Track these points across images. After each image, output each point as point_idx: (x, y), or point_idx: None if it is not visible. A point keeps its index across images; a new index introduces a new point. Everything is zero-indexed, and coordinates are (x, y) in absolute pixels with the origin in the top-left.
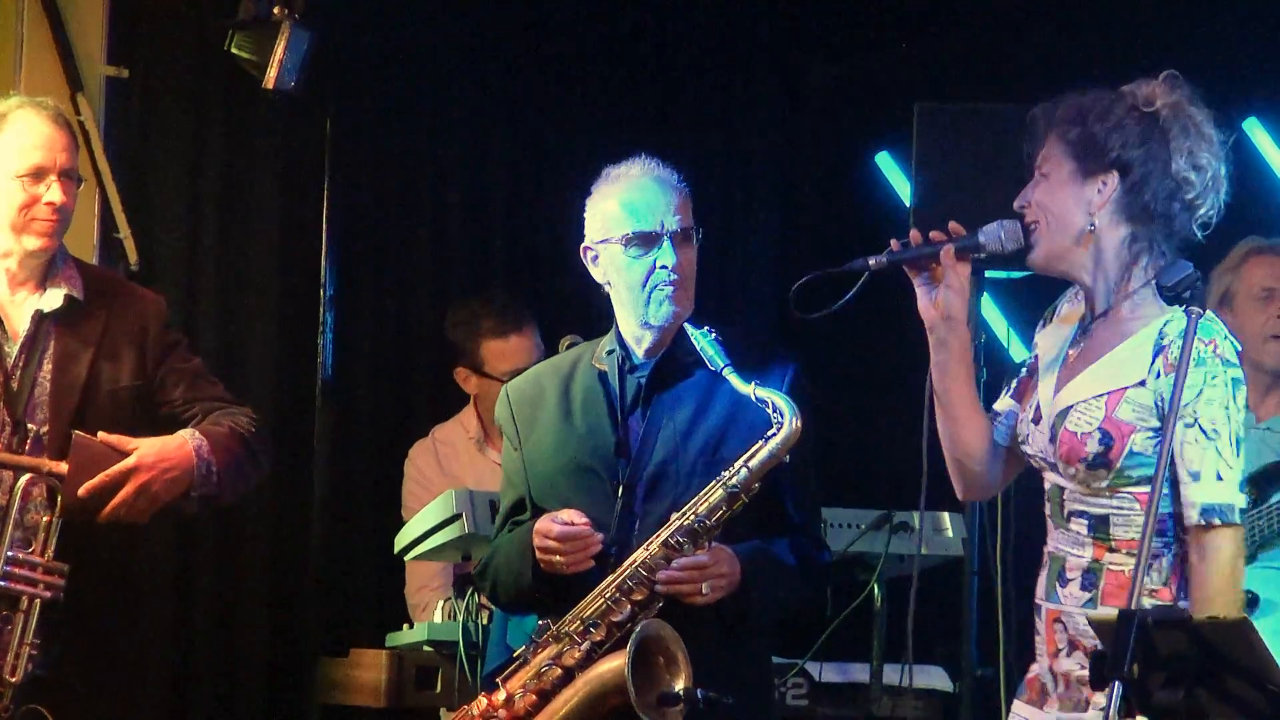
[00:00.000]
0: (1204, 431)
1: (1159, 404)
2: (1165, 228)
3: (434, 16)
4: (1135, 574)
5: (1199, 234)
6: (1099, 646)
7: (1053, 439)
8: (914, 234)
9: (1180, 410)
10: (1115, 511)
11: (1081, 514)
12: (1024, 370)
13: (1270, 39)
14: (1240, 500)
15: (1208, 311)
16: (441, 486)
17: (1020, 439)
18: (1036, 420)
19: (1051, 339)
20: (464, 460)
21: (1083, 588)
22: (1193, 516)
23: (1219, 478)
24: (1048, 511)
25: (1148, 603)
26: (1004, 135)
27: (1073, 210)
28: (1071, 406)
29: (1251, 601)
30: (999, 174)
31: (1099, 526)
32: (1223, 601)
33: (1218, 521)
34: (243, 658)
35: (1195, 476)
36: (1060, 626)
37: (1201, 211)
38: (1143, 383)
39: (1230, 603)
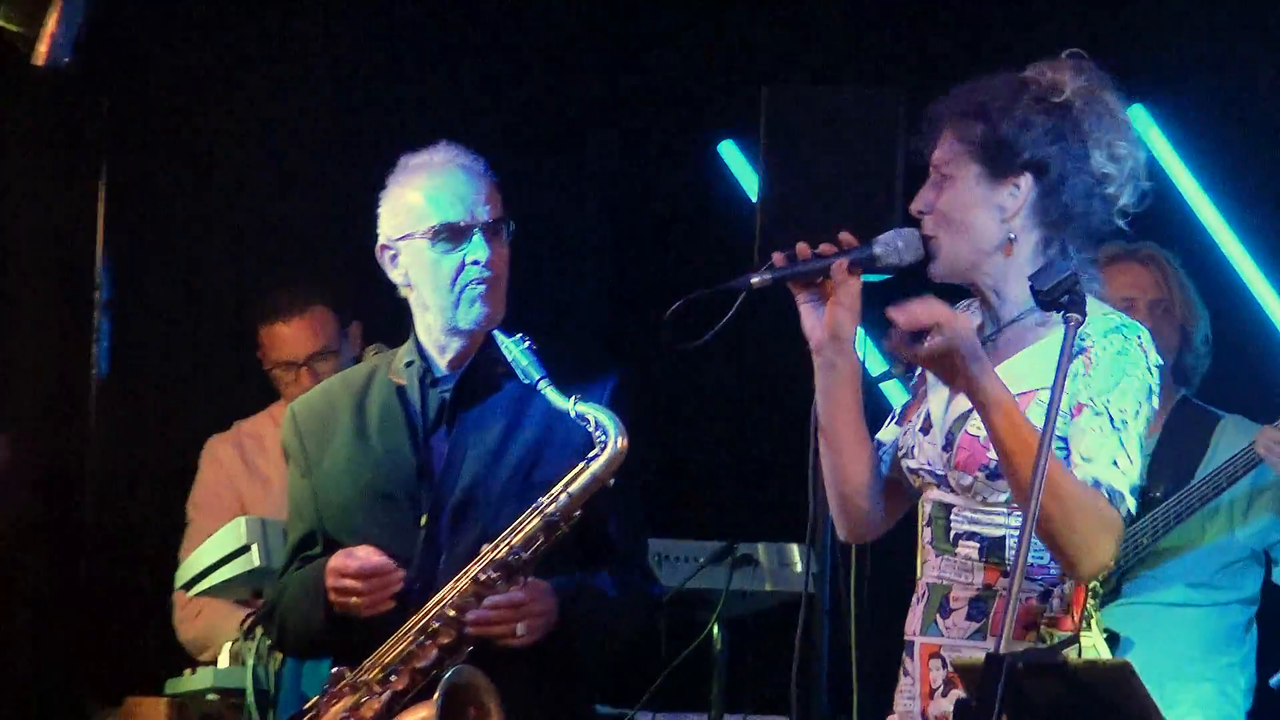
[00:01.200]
0: (1111, 420)
1: (1070, 409)
2: (1083, 226)
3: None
4: (1009, 599)
5: (1120, 222)
6: None
7: (948, 446)
8: (802, 247)
9: (1095, 398)
10: (1012, 533)
11: (972, 535)
12: (911, 394)
13: (1155, 24)
14: (1132, 502)
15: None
16: (245, 483)
17: (902, 451)
18: (926, 429)
19: None
20: (272, 457)
21: (969, 617)
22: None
23: (1114, 464)
24: (927, 538)
25: (1046, 633)
26: (861, 120)
27: (984, 219)
28: (972, 409)
29: (1111, 640)
30: (855, 163)
31: (993, 550)
32: (1069, 510)
33: (1104, 494)
34: (5, 707)
35: (1087, 460)
36: (939, 663)
37: (1122, 202)
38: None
39: (1074, 513)
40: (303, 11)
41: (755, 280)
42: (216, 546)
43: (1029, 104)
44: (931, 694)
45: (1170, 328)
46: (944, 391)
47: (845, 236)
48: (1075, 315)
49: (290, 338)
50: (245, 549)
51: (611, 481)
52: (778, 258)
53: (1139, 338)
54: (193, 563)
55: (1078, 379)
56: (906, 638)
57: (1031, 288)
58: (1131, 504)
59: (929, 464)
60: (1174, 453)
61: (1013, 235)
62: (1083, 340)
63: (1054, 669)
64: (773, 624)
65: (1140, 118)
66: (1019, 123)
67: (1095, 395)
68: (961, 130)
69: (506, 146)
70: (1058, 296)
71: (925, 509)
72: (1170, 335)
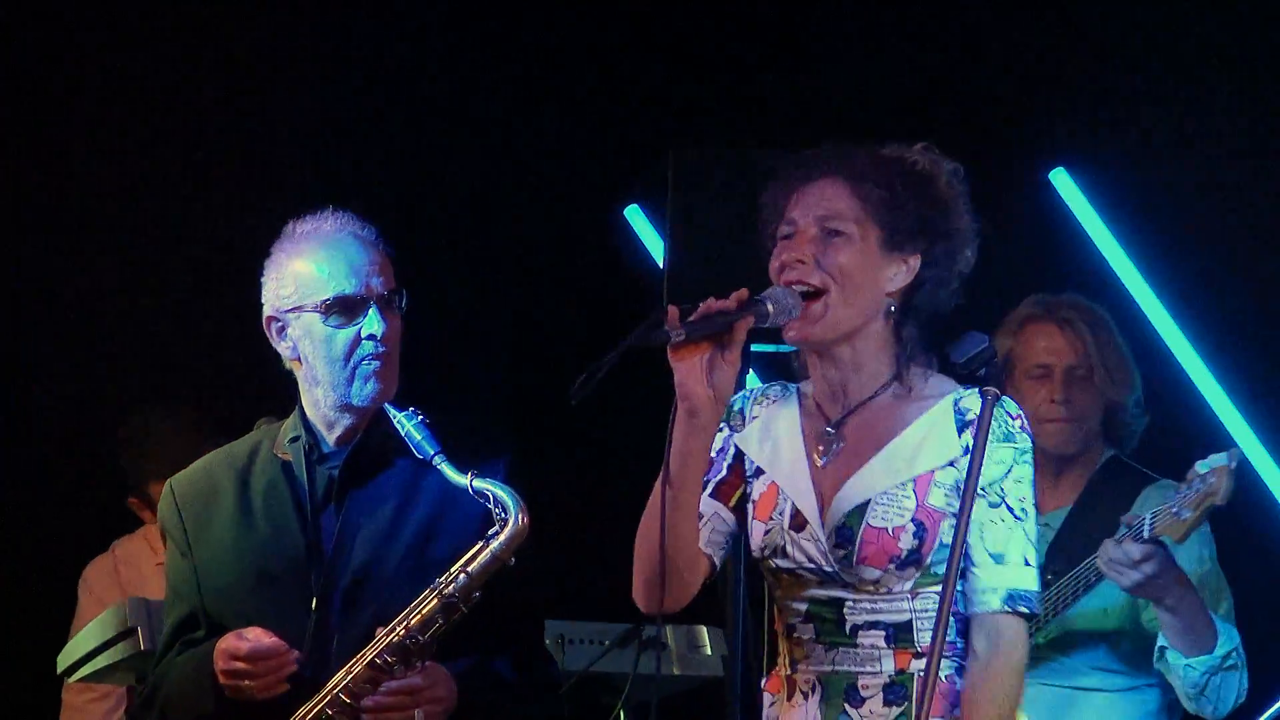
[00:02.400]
0: (1011, 511)
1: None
2: (926, 320)
3: (84, 41)
4: (926, 680)
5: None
6: None
7: (843, 541)
8: (711, 302)
9: (986, 489)
10: (919, 615)
11: (874, 625)
12: (724, 470)
13: (1075, 90)
14: (1039, 599)
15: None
16: None
17: (767, 550)
18: (797, 527)
19: (758, 441)
20: (151, 585)
21: (888, 703)
22: (993, 602)
23: (1026, 563)
24: (812, 633)
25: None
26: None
27: (875, 285)
28: (870, 500)
29: None
30: None
31: (900, 635)
32: (1013, 700)
33: (1023, 609)
34: None
35: (999, 559)
36: None
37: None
38: (953, 463)
39: (1016, 699)
40: (180, 69)
41: (674, 335)
42: (99, 630)
43: (921, 183)
44: None
45: (1088, 395)
46: (803, 483)
47: (742, 293)
48: (993, 389)
49: None
50: (130, 632)
51: (512, 561)
52: (675, 312)
53: (1020, 418)
54: (75, 647)
55: (966, 459)
56: None
57: (949, 359)
58: (1038, 601)
59: (812, 561)
60: (1093, 516)
61: (892, 308)
62: (965, 414)
63: None
64: (681, 708)
65: (1062, 181)
66: (920, 199)
67: (988, 484)
68: (863, 191)
69: (403, 211)
70: (975, 369)
71: (797, 606)
72: (1087, 402)
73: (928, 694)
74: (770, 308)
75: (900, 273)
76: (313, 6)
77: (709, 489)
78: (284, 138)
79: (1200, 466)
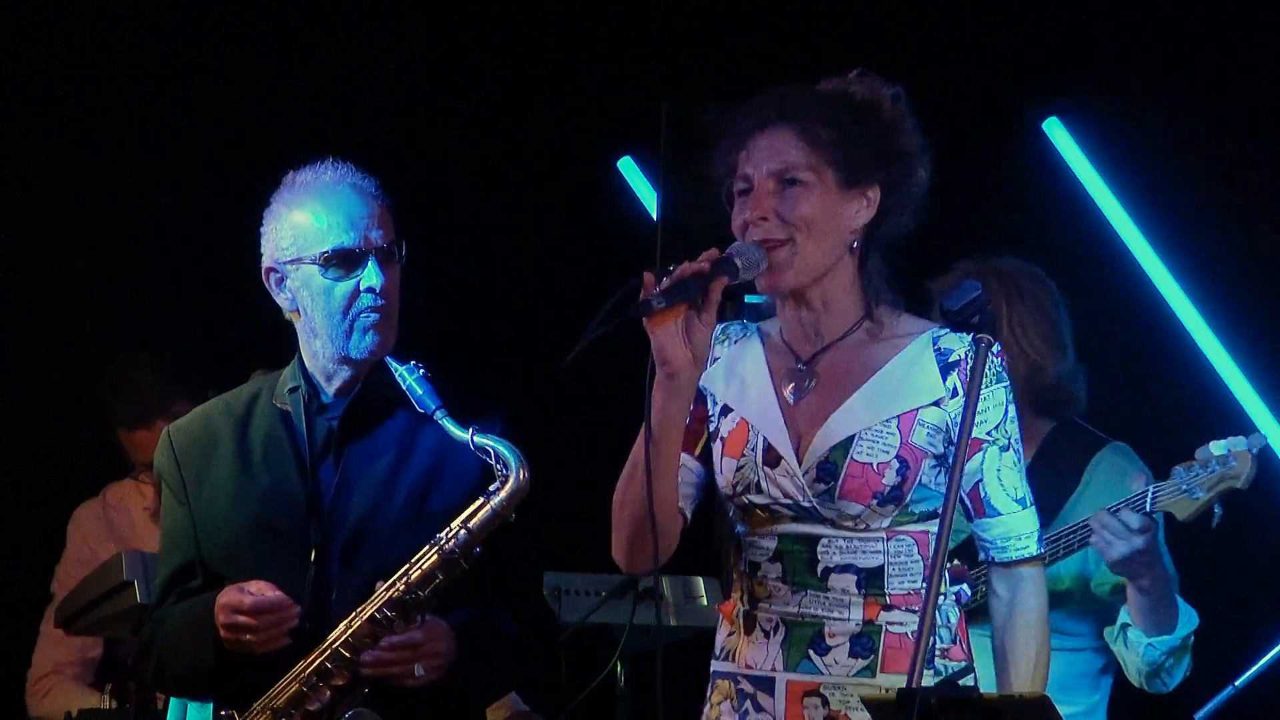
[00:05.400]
0: (1017, 453)
1: (950, 427)
2: (888, 247)
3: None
4: (919, 635)
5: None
6: None
7: (825, 476)
8: (686, 265)
9: (992, 433)
10: (891, 560)
11: (847, 568)
12: (689, 417)
13: (1068, 38)
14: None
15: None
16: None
17: (739, 485)
18: (772, 462)
19: (724, 382)
20: (140, 530)
21: (854, 654)
22: (1031, 546)
23: (1033, 503)
24: (779, 572)
25: (941, 664)
26: None
27: (838, 228)
28: (855, 435)
29: None
30: None
31: (871, 581)
32: (1048, 644)
33: (1046, 553)
34: None
35: (1023, 503)
36: (818, 702)
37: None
38: (938, 403)
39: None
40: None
41: (657, 306)
42: (96, 583)
43: (869, 116)
44: None
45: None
46: (774, 419)
47: (713, 253)
48: (986, 336)
49: (150, 442)
50: (127, 585)
51: (513, 516)
52: (650, 279)
53: (1003, 357)
54: (73, 599)
55: (957, 396)
56: (752, 671)
57: (941, 307)
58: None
59: (789, 496)
60: (1043, 484)
61: (856, 246)
62: (947, 355)
63: (971, 704)
64: (678, 659)
65: (1056, 130)
66: (870, 134)
67: (994, 429)
68: (812, 135)
69: (393, 166)
70: (969, 316)
71: (765, 544)
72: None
73: (920, 653)
74: (739, 263)
75: (862, 208)
76: None
77: None
78: (269, 96)
79: (1215, 447)
